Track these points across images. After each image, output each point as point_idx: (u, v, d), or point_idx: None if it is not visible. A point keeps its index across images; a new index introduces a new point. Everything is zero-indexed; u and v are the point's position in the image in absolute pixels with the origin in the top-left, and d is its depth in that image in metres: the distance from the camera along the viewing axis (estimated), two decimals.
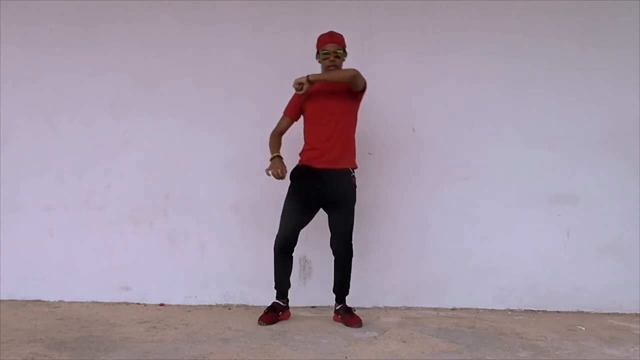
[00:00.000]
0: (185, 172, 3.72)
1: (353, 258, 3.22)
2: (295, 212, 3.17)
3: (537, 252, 3.61)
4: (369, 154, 3.64)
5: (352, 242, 3.20)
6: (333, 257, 3.21)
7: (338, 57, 3.16)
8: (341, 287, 3.25)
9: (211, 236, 3.68)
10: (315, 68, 3.21)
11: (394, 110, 3.66)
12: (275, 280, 3.25)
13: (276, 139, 3.26)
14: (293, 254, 3.24)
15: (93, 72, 3.74)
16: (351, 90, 3.16)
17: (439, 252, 3.64)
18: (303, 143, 3.25)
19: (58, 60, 3.75)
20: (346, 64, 3.49)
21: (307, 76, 3.08)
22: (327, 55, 3.15)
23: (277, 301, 3.26)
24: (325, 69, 3.18)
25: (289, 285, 3.29)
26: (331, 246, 3.20)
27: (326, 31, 3.20)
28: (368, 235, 3.62)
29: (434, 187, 3.64)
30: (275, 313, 3.22)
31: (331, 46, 3.15)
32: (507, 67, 3.63)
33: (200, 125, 3.70)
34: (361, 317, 3.18)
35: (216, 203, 3.67)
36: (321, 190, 3.15)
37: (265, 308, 3.23)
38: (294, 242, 3.20)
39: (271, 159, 3.17)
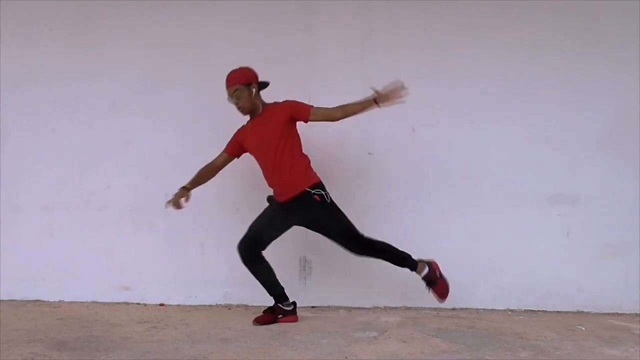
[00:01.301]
0: (185, 172, 3.70)
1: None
2: (264, 220, 3.17)
3: (537, 252, 3.61)
4: (369, 154, 3.64)
5: (361, 235, 3.10)
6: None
7: (236, 95, 3.06)
8: (399, 259, 3.15)
9: (211, 236, 3.68)
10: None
11: (394, 110, 3.65)
12: (264, 288, 3.21)
13: (203, 170, 3.23)
14: (263, 255, 3.17)
15: (93, 72, 3.74)
16: (291, 118, 3.06)
17: (439, 252, 3.62)
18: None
19: (58, 60, 3.75)
20: (344, 64, 3.49)
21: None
22: (230, 99, 3.09)
23: (278, 304, 3.23)
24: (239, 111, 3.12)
25: (280, 288, 3.23)
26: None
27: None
28: (368, 235, 3.62)
29: (434, 187, 3.64)
30: (273, 315, 3.20)
31: (228, 90, 3.07)
32: (507, 67, 3.63)
33: (200, 125, 3.70)
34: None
35: (216, 203, 3.67)
36: (294, 219, 3.14)
37: (265, 308, 3.23)
38: (257, 246, 3.15)
39: (181, 188, 3.19)
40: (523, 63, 3.62)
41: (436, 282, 3.16)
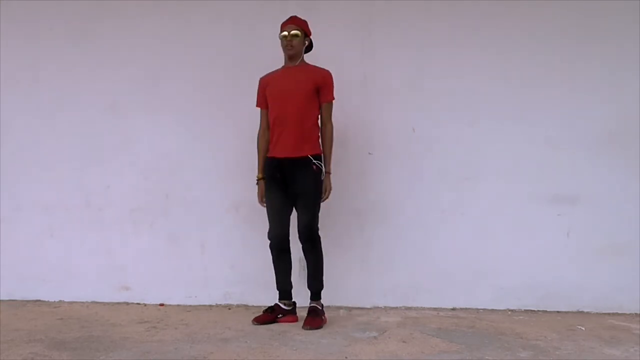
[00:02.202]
0: (185, 172, 3.72)
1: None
2: (277, 211, 3.20)
3: (537, 252, 3.60)
4: (369, 154, 3.64)
5: (318, 229, 3.19)
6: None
7: (295, 36, 3.13)
8: (317, 277, 3.26)
9: (211, 236, 3.68)
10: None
11: (394, 110, 3.66)
12: (276, 280, 3.26)
13: (262, 143, 3.26)
14: (290, 252, 3.24)
15: (93, 72, 3.74)
16: (318, 88, 3.17)
17: (439, 252, 3.63)
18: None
19: (58, 60, 3.75)
20: (344, 64, 3.49)
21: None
22: (285, 37, 3.14)
23: (279, 303, 3.25)
24: (284, 49, 3.17)
25: (290, 286, 3.28)
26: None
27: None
28: (368, 235, 3.62)
29: (434, 187, 3.64)
30: (273, 314, 3.21)
31: (288, 27, 3.15)
32: (507, 67, 3.62)
33: (200, 125, 3.70)
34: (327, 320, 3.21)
35: (216, 203, 3.67)
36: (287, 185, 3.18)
37: (265, 308, 3.24)
38: (286, 237, 3.19)
39: (258, 181, 3.25)
40: (523, 63, 3.62)
41: (318, 315, 3.18)
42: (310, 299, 3.25)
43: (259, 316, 3.20)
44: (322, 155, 3.20)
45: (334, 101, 3.22)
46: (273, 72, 3.25)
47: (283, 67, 3.23)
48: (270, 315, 3.20)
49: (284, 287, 3.27)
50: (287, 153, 3.11)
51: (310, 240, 3.16)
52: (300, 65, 3.20)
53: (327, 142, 3.20)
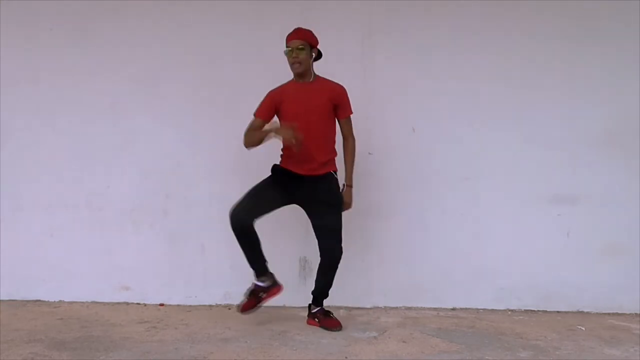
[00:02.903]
0: (185, 172, 3.72)
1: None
2: (268, 194, 3.13)
3: (537, 252, 3.61)
4: (369, 154, 3.64)
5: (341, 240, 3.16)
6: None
7: (301, 50, 3.02)
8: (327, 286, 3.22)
9: (211, 236, 3.67)
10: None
11: (394, 110, 3.66)
12: (248, 260, 3.10)
13: (248, 138, 3.16)
14: (254, 226, 3.06)
15: (93, 72, 3.74)
16: (336, 105, 3.13)
17: (439, 252, 3.64)
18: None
19: (58, 60, 3.75)
20: (344, 64, 3.49)
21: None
22: (290, 52, 3.03)
23: (256, 282, 3.12)
24: (291, 67, 3.06)
25: (263, 259, 3.11)
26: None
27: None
28: (368, 235, 3.62)
29: (434, 187, 3.64)
30: (254, 297, 3.10)
31: (293, 42, 3.03)
32: (507, 67, 3.62)
33: (200, 125, 3.70)
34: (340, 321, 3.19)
35: (216, 203, 3.66)
36: (302, 195, 3.14)
37: (244, 297, 3.14)
38: (253, 218, 3.04)
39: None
40: (523, 63, 3.62)
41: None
42: (316, 304, 3.23)
43: (244, 304, 3.09)
44: (344, 168, 3.21)
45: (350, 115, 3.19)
46: (284, 87, 3.13)
47: (293, 81, 3.12)
48: (253, 300, 3.10)
49: (257, 265, 3.09)
50: (312, 171, 3.08)
51: (337, 260, 3.11)
52: (313, 82, 3.11)
53: (349, 156, 3.18)
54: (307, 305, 3.29)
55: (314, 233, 3.17)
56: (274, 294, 3.16)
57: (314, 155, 3.06)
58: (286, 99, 3.09)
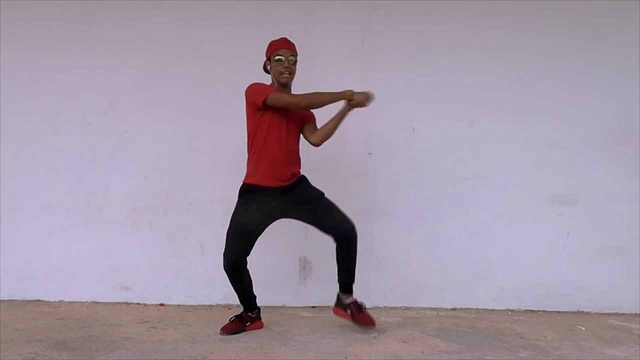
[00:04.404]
0: (185, 172, 3.72)
1: (347, 241, 3.03)
2: (255, 222, 2.99)
3: (537, 252, 3.61)
4: (369, 154, 3.64)
5: None
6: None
7: (293, 62, 2.99)
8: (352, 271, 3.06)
9: (211, 236, 3.67)
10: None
11: (394, 110, 3.66)
12: (240, 297, 3.05)
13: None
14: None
15: (93, 72, 3.74)
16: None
17: (439, 252, 3.64)
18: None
19: (58, 60, 3.75)
20: (344, 64, 3.50)
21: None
22: (282, 62, 2.96)
23: (245, 313, 3.09)
24: (278, 75, 2.98)
25: (254, 297, 3.09)
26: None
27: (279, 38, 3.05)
28: (368, 235, 3.62)
29: (434, 187, 3.64)
30: (242, 324, 3.05)
31: (286, 52, 2.97)
32: (507, 67, 3.63)
33: (200, 125, 3.70)
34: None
35: (216, 203, 3.67)
36: (293, 204, 3.03)
37: (233, 317, 3.09)
38: (246, 254, 2.97)
39: (350, 96, 2.91)
40: (523, 63, 3.62)
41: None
42: (347, 292, 3.06)
43: (227, 326, 3.03)
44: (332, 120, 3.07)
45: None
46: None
47: (277, 89, 3.01)
48: (239, 325, 3.04)
49: (249, 302, 3.07)
50: (292, 180, 3.02)
51: (354, 234, 2.99)
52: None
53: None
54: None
55: (318, 231, 3.09)
56: (258, 327, 3.10)
57: (290, 166, 3.02)
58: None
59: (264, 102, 2.92)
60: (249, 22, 3.69)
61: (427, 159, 3.65)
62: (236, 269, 2.94)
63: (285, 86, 3.03)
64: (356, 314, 3.03)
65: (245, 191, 3.02)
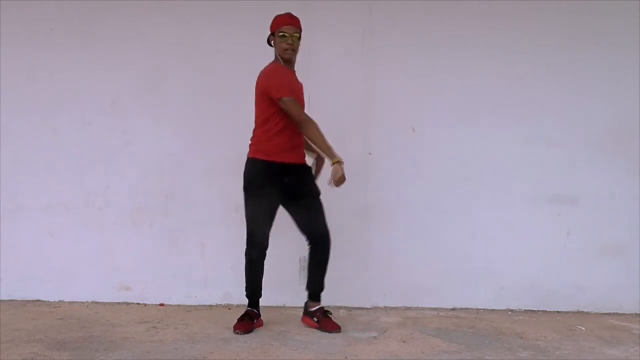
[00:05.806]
0: (185, 172, 3.72)
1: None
2: (269, 211, 3.08)
3: (537, 252, 3.61)
4: (369, 154, 3.64)
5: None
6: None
7: (297, 38, 2.99)
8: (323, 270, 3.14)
9: (211, 236, 3.68)
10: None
11: (394, 110, 3.66)
12: (250, 288, 3.11)
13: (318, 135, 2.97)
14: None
15: (93, 72, 3.74)
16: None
17: (439, 252, 3.64)
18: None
19: (58, 60, 3.75)
20: (344, 64, 3.49)
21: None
22: (285, 38, 2.96)
23: (251, 309, 3.12)
24: (282, 51, 2.98)
25: (260, 293, 3.15)
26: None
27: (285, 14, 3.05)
28: (368, 235, 3.62)
29: (434, 187, 3.64)
30: (251, 321, 3.08)
31: (290, 28, 2.97)
32: (507, 67, 3.63)
33: (200, 125, 3.70)
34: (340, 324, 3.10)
35: (216, 203, 3.67)
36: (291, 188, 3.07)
37: (240, 316, 3.10)
38: (267, 244, 3.07)
39: (336, 163, 2.90)
40: (523, 63, 3.62)
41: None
42: (315, 300, 3.15)
43: (241, 324, 3.04)
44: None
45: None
46: (287, 71, 3.03)
47: (283, 66, 3.03)
48: (250, 323, 3.06)
49: (256, 297, 3.12)
50: (300, 159, 3.09)
51: (330, 247, 3.10)
52: (294, 71, 3.09)
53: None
54: (303, 305, 3.27)
55: (299, 228, 3.12)
56: (260, 324, 3.13)
57: (302, 148, 3.10)
58: (295, 86, 3.05)
59: (278, 99, 2.94)
60: (249, 22, 3.68)
61: (427, 159, 3.65)
62: (262, 253, 3.03)
63: (288, 62, 3.04)
64: (322, 321, 3.10)
65: (258, 173, 3.04)
